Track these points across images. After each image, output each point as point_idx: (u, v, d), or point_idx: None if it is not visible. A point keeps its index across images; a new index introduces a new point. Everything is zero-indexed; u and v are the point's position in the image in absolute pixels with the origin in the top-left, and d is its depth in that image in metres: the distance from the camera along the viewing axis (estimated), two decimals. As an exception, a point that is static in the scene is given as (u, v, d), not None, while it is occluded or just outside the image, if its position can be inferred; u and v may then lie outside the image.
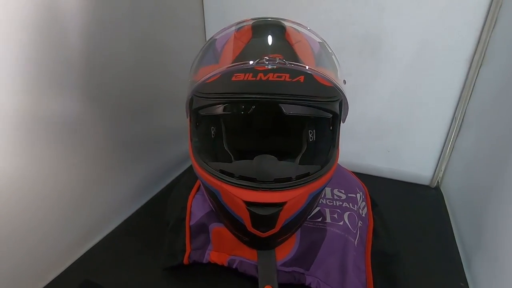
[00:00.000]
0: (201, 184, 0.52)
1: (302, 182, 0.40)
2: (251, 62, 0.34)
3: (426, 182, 0.77)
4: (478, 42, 0.60)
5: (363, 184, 0.62)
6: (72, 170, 0.52)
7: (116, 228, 0.62)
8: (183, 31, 0.75)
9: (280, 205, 0.39)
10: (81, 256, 0.55)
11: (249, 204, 0.39)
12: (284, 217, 0.40)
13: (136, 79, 0.62)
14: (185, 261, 0.49)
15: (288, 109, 0.40)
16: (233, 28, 0.46)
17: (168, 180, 0.78)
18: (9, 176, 0.43)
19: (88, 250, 0.56)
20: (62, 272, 0.52)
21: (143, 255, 0.55)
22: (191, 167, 0.48)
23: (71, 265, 0.53)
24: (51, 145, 0.48)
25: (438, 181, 0.76)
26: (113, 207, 0.62)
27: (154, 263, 0.52)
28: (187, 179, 0.60)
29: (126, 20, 0.57)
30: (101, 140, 0.57)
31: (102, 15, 0.52)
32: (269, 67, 0.34)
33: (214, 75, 0.37)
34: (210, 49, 0.46)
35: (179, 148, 0.78)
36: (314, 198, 0.43)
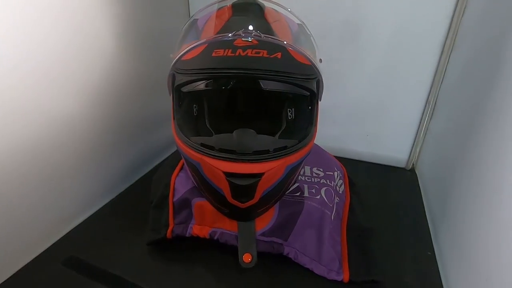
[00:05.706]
0: (184, 162, 0.53)
1: (279, 155, 0.42)
2: (229, 35, 0.36)
3: (402, 164, 0.81)
4: (449, 28, 0.63)
5: (342, 165, 0.65)
6: (62, 149, 0.53)
7: (102, 207, 0.63)
8: (168, 16, 0.75)
9: (259, 175, 0.41)
10: (67, 233, 0.56)
11: (228, 175, 0.41)
12: (262, 187, 0.42)
13: (122, 63, 0.63)
14: (168, 235, 0.51)
15: (266, 85, 0.42)
16: (214, 7, 0.48)
17: (156, 163, 0.79)
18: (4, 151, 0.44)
19: (74, 227, 0.58)
20: (48, 248, 0.53)
21: (128, 232, 0.56)
22: (176, 151, 0.49)
23: (57, 241, 0.54)
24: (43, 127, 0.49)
25: (413, 163, 0.79)
26: (101, 187, 0.63)
27: (138, 240, 0.53)
28: (171, 160, 0.61)
29: (110, 4, 0.58)
30: (90, 123, 0.58)
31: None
32: (245, 39, 0.35)
33: (194, 47, 0.38)
34: (191, 28, 0.47)
35: (166, 131, 0.78)
36: (292, 171, 0.45)
